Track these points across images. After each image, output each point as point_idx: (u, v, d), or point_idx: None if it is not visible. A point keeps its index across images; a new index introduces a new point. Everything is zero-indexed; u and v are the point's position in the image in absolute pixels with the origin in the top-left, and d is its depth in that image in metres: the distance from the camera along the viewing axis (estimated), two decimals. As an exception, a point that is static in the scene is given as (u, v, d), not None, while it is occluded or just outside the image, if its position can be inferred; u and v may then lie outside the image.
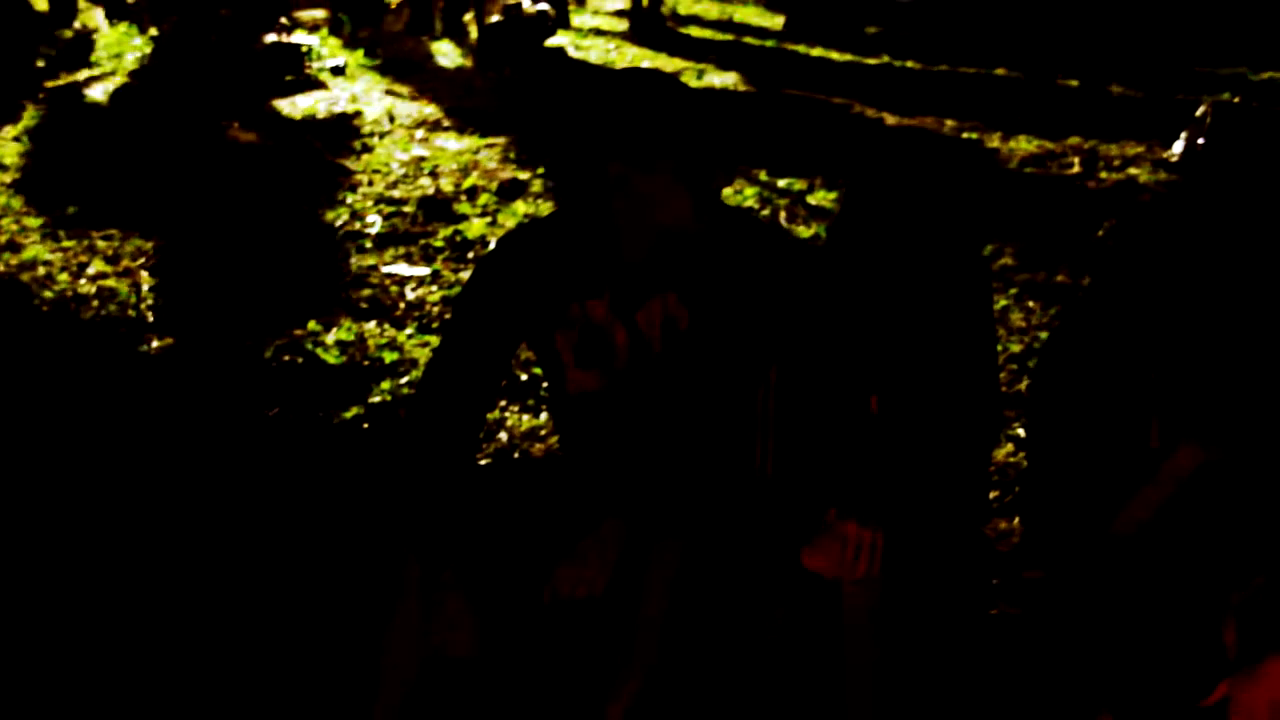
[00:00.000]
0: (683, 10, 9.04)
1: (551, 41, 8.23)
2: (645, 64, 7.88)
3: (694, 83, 7.50)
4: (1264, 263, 2.30)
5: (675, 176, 2.41)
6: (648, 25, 8.61)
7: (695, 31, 8.85)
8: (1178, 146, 5.86)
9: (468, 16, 8.42)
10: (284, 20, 8.13)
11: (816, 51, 8.34)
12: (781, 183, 5.69)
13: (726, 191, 5.58)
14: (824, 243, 2.50)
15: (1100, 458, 2.30)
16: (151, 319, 4.35)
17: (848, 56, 8.20)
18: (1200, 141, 5.75)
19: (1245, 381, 2.25)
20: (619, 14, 9.03)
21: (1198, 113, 5.86)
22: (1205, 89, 6.72)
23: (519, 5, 8.49)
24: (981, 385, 2.50)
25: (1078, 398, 2.34)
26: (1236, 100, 6.11)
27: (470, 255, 4.92)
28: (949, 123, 6.68)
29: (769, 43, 8.63)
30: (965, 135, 6.47)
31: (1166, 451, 2.24)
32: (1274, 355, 2.25)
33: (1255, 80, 6.84)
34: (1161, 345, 2.27)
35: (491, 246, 2.60)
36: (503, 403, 3.76)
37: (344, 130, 6.52)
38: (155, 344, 4.16)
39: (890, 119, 6.80)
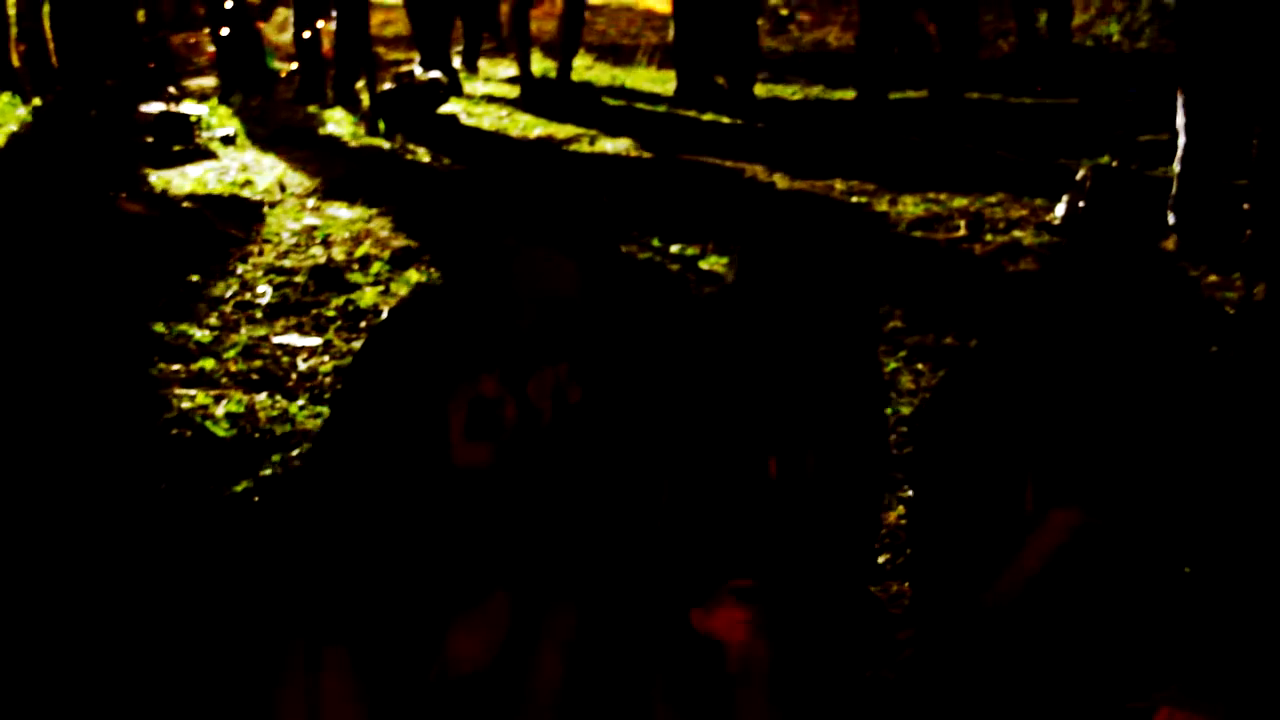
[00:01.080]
0: (575, 77, 9.09)
1: (444, 109, 8.25)
2: (537, 131, 7.92)
3: (586, 149, 7.55)
4: (1130, 323, 2.35)
5: (563, 247, 2.44)
6: (539, 92, 8.65)
7: (587, 98, 8.90)
8: (1060, 209, 5.98)
9: (359, 84, 8.41)
10: (172, 90, 8.07)
11: (708, 116, 8.41)
12: (674, 248, 5.72)
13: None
14: (714, 307, 2.52)
15: (977, 521, 2.33)
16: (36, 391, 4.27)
17: (738, 121, 8.28)
18: (1081, 204, 5.87)
19: (1118, 445, 2.28)
20: (511, 80, 9.06)
21: (1079, 176, 5.99)
22: (1087, 152, 6.87)
23: (411, 73, 8.51)
24: (871, 448, 2.52)
25: (955, 460, 2.37)
26: (1115, 164, 6.25)
27: (363, 324, 4.89)
28: (838, 185, 6.77)
29: (660, 108, 8.70)
30: (854, 199, 6.56)
31: (1040, 515, 2.27)
32: (1144, 417, 2.29)
33: (1137, 143, 7.01)
34: (1036, 407, 2.31)
35: (384, 317, 2.60)
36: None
37: (234, 200, 6.48)
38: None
39: (781, 182, 6.87)
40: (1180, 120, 5.51)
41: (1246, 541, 2.22)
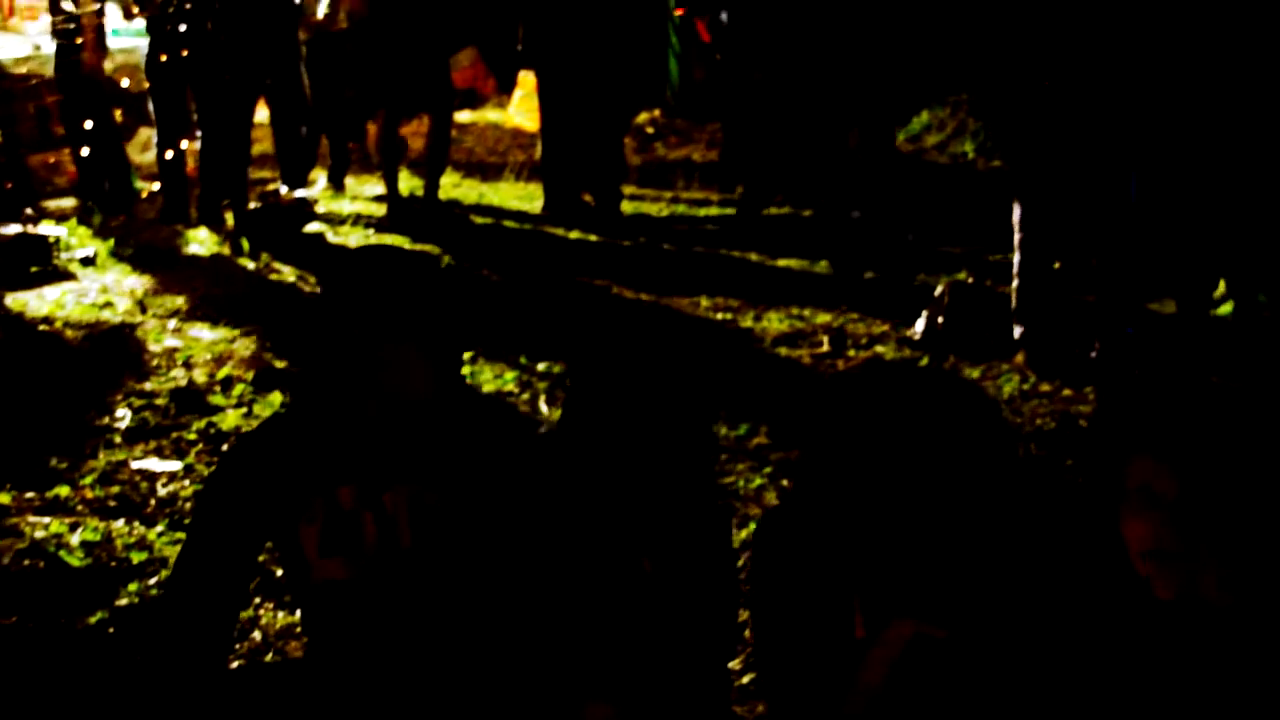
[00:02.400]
0: (442, 195, 9.12)
1: (310, 228, 8.22)
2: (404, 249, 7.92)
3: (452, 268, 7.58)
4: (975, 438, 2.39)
5: (421, 354, 2.45)
6: (406, 211, 8.67)
7: (454, 216, 8.93)
8: (919, 325, 6.11)
9: (224, 203, 8.36)
10: (29, 211, 7.96)
11: (575, 233, 8.49)
12: (541, 366, 5.74)
13: (485, 376, 5.62)
14: (560, 425, 2.53)
15: (814, 643, 2.34)
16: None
17: (605, 238, 8.37)
18: (940, 320, 6.02)
19: (946, 557, 2.32)
20: (378, 199, 9.07)
21: (936, 292, 6.14)
22: (944, 269, 7.04)
23: (276, 192, 8.49)
24: (720, 565, 2.54)
25: (789, 583, 2.38)
26: (972, 280, 6.41)
27: (225, 447, 4.82)
28: (704, 301, 6.85)
29: (527, 225, 8.76)
30: (719, 315, 6.64)
31: (874, 633, 2.29)
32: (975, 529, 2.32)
33: (990, 259, 7.20)
34: (863, 525, 2.34)
35: (242, 435, 2.57)
36: (256, 600, 3.67)
37: (93, 323, 6.38)
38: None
39: (648, 299, 6.94)
40: (1016, 236, 5.69)
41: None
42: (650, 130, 11.74)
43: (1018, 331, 5.72)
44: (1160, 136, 5.57)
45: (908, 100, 11.13)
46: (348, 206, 9.06)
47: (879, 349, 6.07)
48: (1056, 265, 5.90)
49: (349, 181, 9.64)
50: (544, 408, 5.28)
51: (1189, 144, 5.64)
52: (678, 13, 11.31)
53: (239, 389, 5.44)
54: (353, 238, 8.23)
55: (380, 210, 8.81)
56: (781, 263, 7.65)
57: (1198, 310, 5.82)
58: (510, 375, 5.68)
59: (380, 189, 9.04)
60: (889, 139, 7.59)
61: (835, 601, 2.32)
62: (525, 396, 5.45)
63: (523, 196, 9.57)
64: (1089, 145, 5.56)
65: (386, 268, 2.54)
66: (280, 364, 5.73)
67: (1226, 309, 6.11)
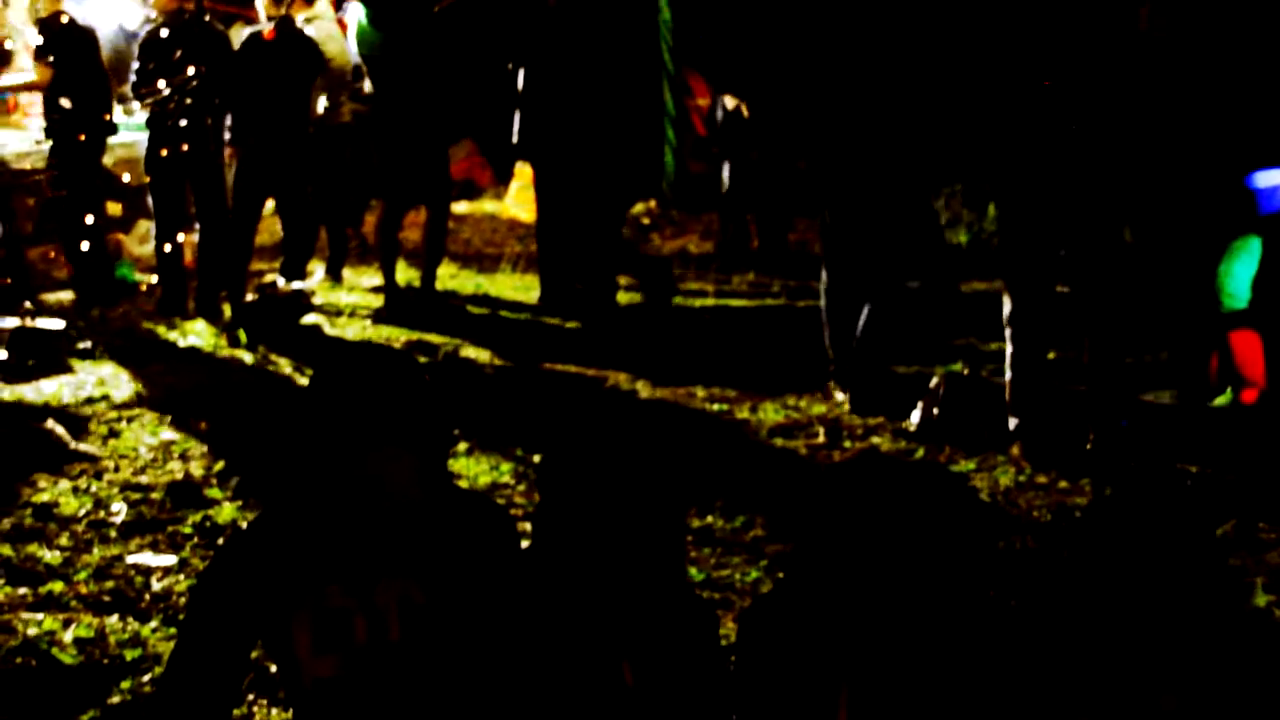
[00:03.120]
0: (439, 286, 9.16)
1: (307, 320, 8.26)
2: (402, 341, 7.96)
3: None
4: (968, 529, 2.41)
5: (406, 453, 2.47)
6: (404, 302, 8.70)
7: (451, 307, 8.98)
8: (915, 416, 6.12)
9: (221, 296, 8.40)
10: (28, 304, 7.99)
11: (571, 324, 8.52)
12: (536, 457, 5.74)
13: (480, 468, 5.62)
14: (544, 522, 2.55)
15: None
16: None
17: (601, 329, 8.40)
18: (935, 411, 6.03)
19: (934, 651, 2.32)
20: (376, 290, 9.11)
21: (932, 383, 6.16)
22: (939, 360, 7.06)
23: (274, 284, 8.53)
24: (704, 667, 2.53)
25: (775, 677, 2.39)
26: (966, 371, 6.43)
27: (220, 542, 4.81)
28: (699, 392, 6.87)
29: (524, 316, 8.80)
30: (715, 406, 6.65)
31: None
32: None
33: (984, 350, 7.22)
34: (852, 618, 2.35)
35: (235, 532, 2.58)
36: (250, 696, 3.65)
37: (90, 415, 6.39)
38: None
39: (644, 390, 6.96)
40: (1008, 329, 5.72)
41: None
42: (646, 221, 11.81)
43: (1013, 423, 5.73)
44: (1153, 233, 5.63)
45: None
46: (345, 298, 9.10)
47: (875, 440, 6.07)
48: (1051, 355, 5.92)
49: (347, 273, 9.69)
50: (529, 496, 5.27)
51: (1177, 240, 5.70)
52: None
53: (234, 482, 5.44)
54: (350, 329, 8.27)
55: (378, 301, 8.84)
56: (778, 352, 7.66)
57: (1194, 402, 5.83)
58: (506, 467, 5.68)
59: (378, 280, 9.08)
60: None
61: (821, 695, 2.32)
62: (521, 488, 5.45)
63: (519, 287, 9.61)
64: (1081, 237, 5.61)
65: (371, 368, 2.58)
66: (275, 457, 5.72)
67: (1224, 399, 6.12)
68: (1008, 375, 5.77)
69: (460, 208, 12.36)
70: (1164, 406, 6.01)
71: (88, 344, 7.56)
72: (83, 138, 8.49)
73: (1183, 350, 6.10)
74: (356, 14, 8.86)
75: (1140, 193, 5.70)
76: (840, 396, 6.54)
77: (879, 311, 6.47)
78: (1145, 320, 6.00)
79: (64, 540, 4.89)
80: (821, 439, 6.10)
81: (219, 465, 5.65)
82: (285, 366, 7.35)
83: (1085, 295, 5.67)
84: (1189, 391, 5.97)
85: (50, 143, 8.62)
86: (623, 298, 9.08)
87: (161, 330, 8.15)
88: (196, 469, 5.65)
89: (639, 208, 11.67)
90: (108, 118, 8.68)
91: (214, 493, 5.36)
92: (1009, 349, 5.75)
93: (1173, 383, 5.91)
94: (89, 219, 8.50)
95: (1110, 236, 5.63)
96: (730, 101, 10.56)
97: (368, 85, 9.02)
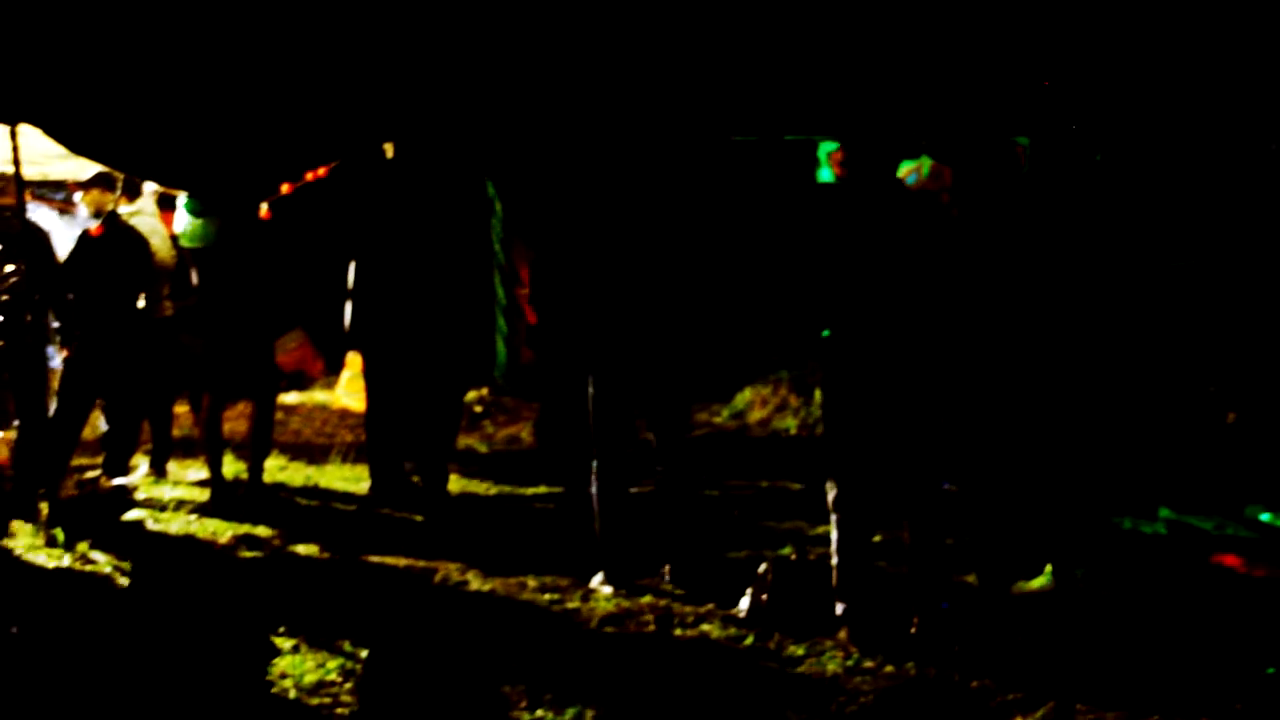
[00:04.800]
0: (268, 478, 9.04)
1: (129, 515, 8.07)
2: (227, 535, 7.81)
3: (278, 552, 7.47)
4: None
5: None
6: (230, 496, 8.56)
7: (279, 500, 8.85)
8: (744, 603, 6.16)
9: (40, 493, 8.17)
10: None
11: (402, 514, 8.46)
12: (364, 653, 5.66)
13: (306, 666, 5.50)
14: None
15: None
16: None
17: (432, 519, 8.34)
18: (764, 597, 6.07)
19: None
20: (202, 484, 8.94)
21: (760, 569, 6.21)
22: (768, 544, 7.12)
23: (95, 480, 8.33)
24: None
25: None
26: (794, 556, 6.50)
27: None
28: (531, 582, 6.83)
29: (353, 507, 8.70)
30: (546, 596, 6.62)
31: None
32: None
33: (812, 534, 7.31)
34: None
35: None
36: None
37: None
38: None
39: (474, 582, 6.89)
40: (832, 515, 5.84)
41: None
42: (479, 409, 11.83)
43: (840, 608, 5.80)
44: (971, 421, 5.81)
45: (732, 378, 11.48)
46: (170, 492, 8.92)
47: (705, 628, 6.08)
48: (876, 538, 6.02)
49: (171, 466, 9.51)
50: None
51: (995, 424, 5.89)
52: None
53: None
54: (174, 524, 8.09)
55: (203, 495, 8.69)
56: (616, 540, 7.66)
57: (999, 584, 5.95)
58: (333, 664, 5.57)
59: (204, 473, 8.93)
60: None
61: None
62: (348, 686, 5.34)
63: (350, 478, 9.52)
64: (901, 424, 5.76)
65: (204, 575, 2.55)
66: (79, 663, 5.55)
67: (1040, 582, 6.27)
68: (834, 560, 5.85)
69: (291, 398, 12.26)
70: (985, 586, 6.12)
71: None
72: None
73: (992, 531, 6.24)
74: (183, 208, 8.85)
75: (956, 377, 5.87)
76: (606, 590, 6.60)
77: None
78: (961, 504, 6.13)
79: None
80: (653, 627, 6.10)
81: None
82: (103, 565, 7.14)
83: (904, 479, 5.80)
84: (1005, 571, 6.09)
85: None
86: (454, 486, 9.05)
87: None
88: None
89: (471, 395, 11.70)
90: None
91: None
92: (834, 533, 5.84)
93: (987, 564, 6.02)
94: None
95: (930, 421, 5.78)
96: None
97: (194, 278, 8.97)
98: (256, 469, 8.74)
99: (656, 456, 6.89)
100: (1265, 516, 6.99)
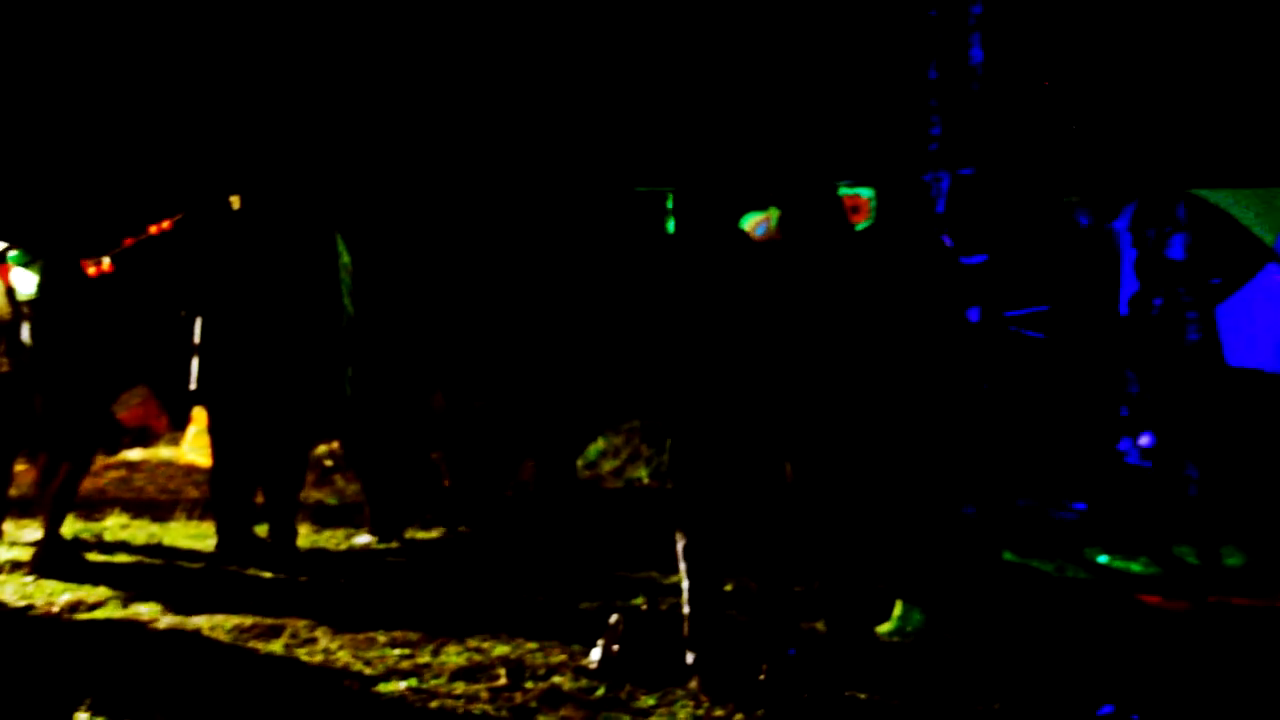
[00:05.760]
0: (109, 537, 8.82)
1: (-40, 577, 7.82)
2: (65, 596, 7.60)
3: (117, 613, 7.28)
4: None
5: None
6: (67, 557, 8.33)
7: (123, 558, 8.64)
8: (595, 654, 6.15)
9: None
10: None
11: (250, 571, 8.31)
12: None
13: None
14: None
15: None
16: None
17: (280, 575, 8.21)
18: (615, 648, 6.06)
19: None
20: (36, 544, 8.69)
21: (611, 620, 6.21)
22: (620, 594, 7.13)
23: (-76, 542, 8.05)
24: None
25: None
26: (645, 606, 6.51)
27: None
28: (380, 637, 6.75)
29: (199, 565, 8.52)
30: (397, 650, 6.54)
31: None
32: None
33: (664, 584, 7.32)
34: None
35: None
36: None
37: None
38: None
39: (324, 638, 6.79)
40: (682, 564, 5.86)
41: None
42: (329, 463, 11.68)
43: (690, 657, 5.81)
44: (818, 467, 5.88)
45: (584, 429, 11.48)
46: (4, 553, 8.65)
47: (556, 679, 6.05)
48: (728, 587, 6.05)
49: (8, 526, 9.23)
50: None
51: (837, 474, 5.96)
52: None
53: None
54: (9, 588, 7.86)
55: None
56: (461, 593, 7.62)
57: (847, 629, 6.01)
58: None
59: (40, 533, 8.68)
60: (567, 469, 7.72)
61: None
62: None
63: (196, 535, 9.33)
64: (750, 471, 5.81)
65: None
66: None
67: (887, 627, 6.35)
68: (685, 609, 5.87)
69: (134, 454, 12.00)
70: (833, 632, 6.18)
71: None
72: None
73: (839, 575, 6.30)
74: (18, 262, 8.63)
75: (800, 424, 5.94)
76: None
77: None
78: (808, 551, 6.19)
79: None
80: (503, 680, 6.05)
81: None
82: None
83: (754, 528, 5.85)
84: (854, 616, 6.16)
85: None
86: (303, 542, 8.92)
87: None
88: None
89: (321, 449, 11.56)
90: None
91: None
92: (685, 582, 5.86)
93: (835, 609, 6.08)
94: None
95: (774, 472, 5.84)
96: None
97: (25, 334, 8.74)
98: (54, 527, 8.44)
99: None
100: (1103, 559, 7.18)
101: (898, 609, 6.50)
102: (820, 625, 6.11)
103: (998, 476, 7.15)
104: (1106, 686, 5.76)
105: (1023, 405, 7.96)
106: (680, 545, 5.85)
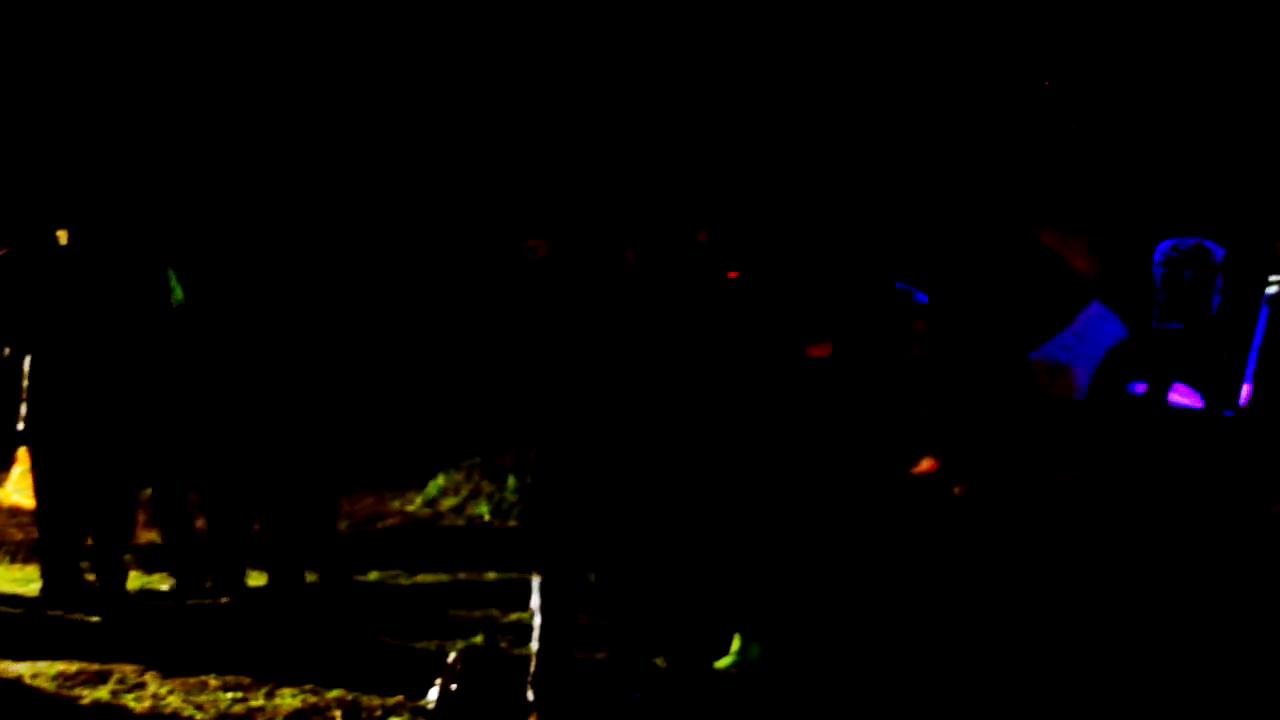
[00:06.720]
0: (-71, 582, 8.53)
1: None
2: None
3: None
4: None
5: None
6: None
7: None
8: (433, 694, 6.08)
9: None
10: None
11: (76, 615, 8.09)
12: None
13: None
14: None
15: None
16: None
17: (109, 619, 8.01)
18: (453, 687, 6.01)
19: None
20: None
21: (450, 659, 6.15)
22: (459, 633, 7.07)
23: None
24: None
25: None
26: (484, 644, 6.47)
27: None
28: (212, 681, 6.61)
29: (20, 610, 8.27)
30: (229, 694, 6.41)
31: None
32: None
33: (504, 622, 7.29)
34: None
35: None
36: None
37: None
38: None
39: (153, 683, 6.64)
40: (535, 599, 5.83)
41: None
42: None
43: (532, 695, 5.77)
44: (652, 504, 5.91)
45: (423, 464, 11.41)
46: None
47: (393, 720, 5.99)
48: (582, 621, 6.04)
49: None
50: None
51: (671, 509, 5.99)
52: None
53: None
54: None
55: None
56: (294, 635, 7.50)
57: (688, 668, 6.04)
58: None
59: None
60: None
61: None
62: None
63: (20, 579, 9.06)
64: (605, 509, 5.81)
65: None
66: None
67: (726, 662, 6.39)
68: (534, 645, 5.82)
69: (-45, 495, 11.61)
70: (673, 668, 6.19)
71: None
72: None
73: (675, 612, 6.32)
74: None
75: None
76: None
77: None
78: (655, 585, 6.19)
79: None
80: (339, 723, 5.98)
81: None
82: None
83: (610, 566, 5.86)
84: (692, 651, 6.17)
85: None
86: (132, 584, 8.71)
87: None
88: None
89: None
90: None
91: None
92: (537, 619, 5.81)
93: (673, 644, 6.09)
94: None
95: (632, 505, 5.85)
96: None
97: None
98: None
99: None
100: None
101: (735, 643, 6.53)
102: (660, 661, 6.12)
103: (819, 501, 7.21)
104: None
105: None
106: (536, 582, 5.80)
